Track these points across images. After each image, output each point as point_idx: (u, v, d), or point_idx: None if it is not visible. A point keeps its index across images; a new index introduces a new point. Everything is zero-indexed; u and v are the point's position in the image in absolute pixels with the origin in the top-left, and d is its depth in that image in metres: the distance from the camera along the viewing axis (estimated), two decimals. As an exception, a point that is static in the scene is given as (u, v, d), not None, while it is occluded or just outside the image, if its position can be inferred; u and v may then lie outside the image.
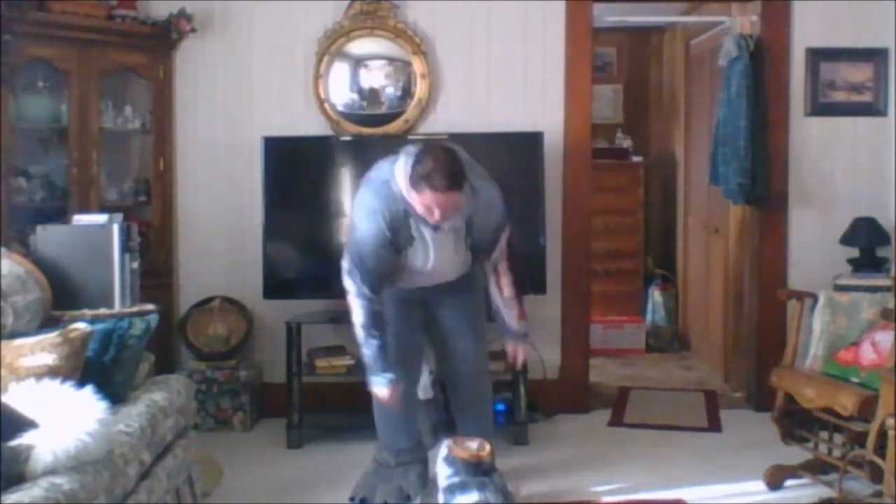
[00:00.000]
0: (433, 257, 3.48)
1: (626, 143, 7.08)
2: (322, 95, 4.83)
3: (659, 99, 7.37)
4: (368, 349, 3.50)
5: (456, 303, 3.71)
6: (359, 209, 3.47)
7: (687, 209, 6.69)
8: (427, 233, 3.43)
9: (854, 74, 4.91)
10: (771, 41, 4.91)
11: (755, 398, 4.95)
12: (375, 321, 3.49)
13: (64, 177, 4.46)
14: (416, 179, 3.26)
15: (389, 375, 3.51)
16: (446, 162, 3.27)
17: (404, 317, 3.68)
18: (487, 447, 3.60)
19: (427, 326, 3.78)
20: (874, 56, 4.90)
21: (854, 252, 4.72)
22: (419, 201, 3.29)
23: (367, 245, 3.41)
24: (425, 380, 4.16)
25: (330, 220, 4.62)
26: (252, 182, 4.70)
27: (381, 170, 3.46)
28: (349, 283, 3.49)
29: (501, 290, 3.66)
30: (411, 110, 4.82)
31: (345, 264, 3.51)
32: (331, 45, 4.82)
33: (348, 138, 4.78)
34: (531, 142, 4.60)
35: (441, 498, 3.56)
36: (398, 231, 3.39)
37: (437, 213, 3.30)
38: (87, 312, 3.57)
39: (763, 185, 4.86)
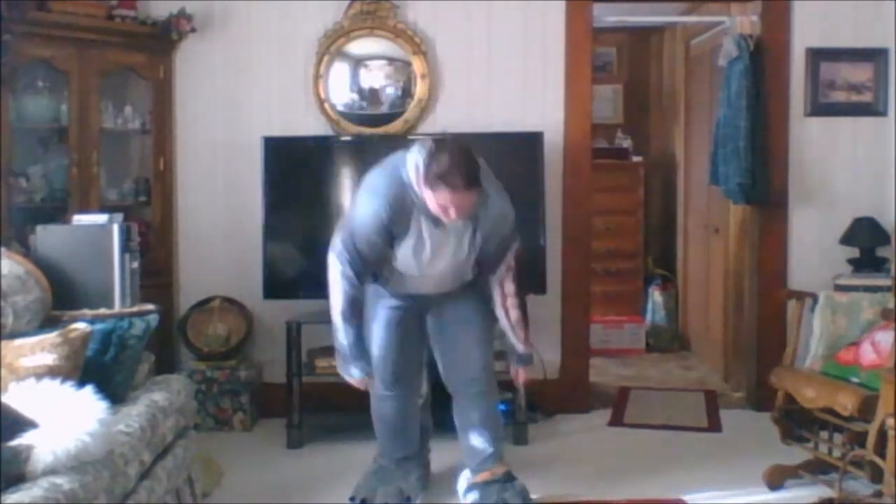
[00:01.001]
0: (427, 257, 3.32)
1: (626, 143, 7.07)
2: (322, 95, 4.83)
3: (659, 99, 7.37)
4: (344, 338, 3.39)
5: (459, 308, 3.54)
6: (364, 189, 3.34)
7: (687, 209, 6.68)
8: (427, 228, 3.27)
9: (854, 74, 4.91)
10: (771, 41, 4.91)
11: (755, 398, 4.95)
12: (354, 308, 3.37)
13: (64, 177, 4.45)
14: (433, 178, 3.10)
15: (363, 365, 3.44)
16: (463, 159, 3.11)
17: (400, 329, 3.54)
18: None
19: (426, 336, 3.64)
20: (874, 56, 4.89)
21: (854, 252, 4.73)
22: (434, 200, 3.14)
23: (362, 226, 3.27)
24: None
25: (330, 220, 4.58)
26: (252, 182, 4.70)
27: (395, 156, 3.34)
28: (334, 262, 3.35)
29: (507, 312, 3.48)
30: (411, 110, 4.82)
31: (335, 242, 3.37)
32: (331, 45, 4.82)
33: (348, 138, 4.78)
34: (531, 142, 4.60)
35: (462, 497, 3.60)
36: (398, 220, 3.25)
37: (452, 213, 3.16)
38: (87, 312, 3.57)
39: (763, 185, 4.85)
